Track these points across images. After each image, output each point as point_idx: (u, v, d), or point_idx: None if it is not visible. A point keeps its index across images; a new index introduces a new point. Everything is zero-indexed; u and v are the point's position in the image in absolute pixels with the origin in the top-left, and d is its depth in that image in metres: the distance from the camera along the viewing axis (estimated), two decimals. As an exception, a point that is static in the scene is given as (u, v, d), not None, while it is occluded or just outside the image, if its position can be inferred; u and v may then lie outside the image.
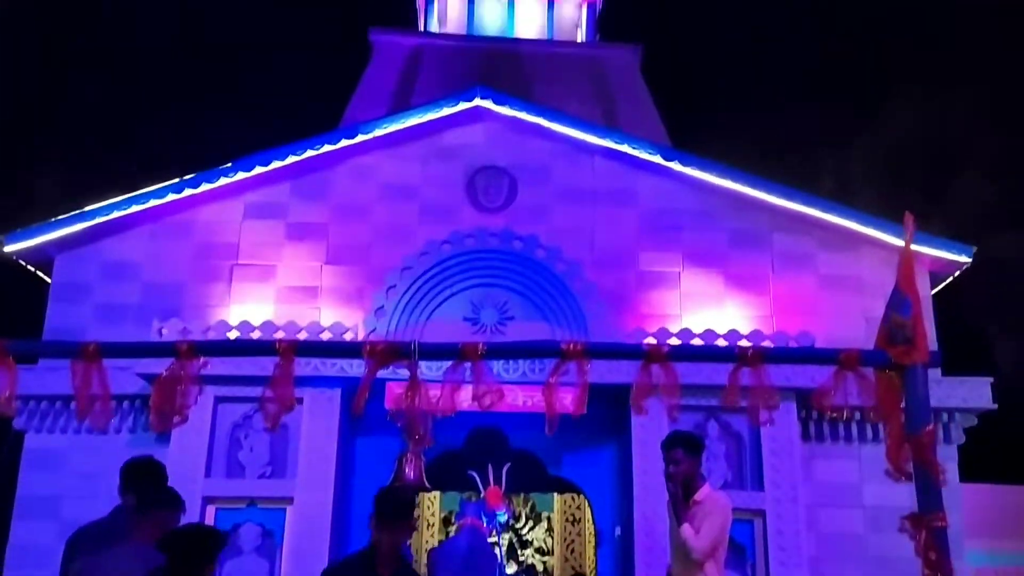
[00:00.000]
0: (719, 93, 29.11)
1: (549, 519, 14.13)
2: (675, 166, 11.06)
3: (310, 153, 10.99)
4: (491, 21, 15.95)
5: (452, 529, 13.26)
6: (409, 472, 4.86)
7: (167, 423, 4.23)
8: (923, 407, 3.96)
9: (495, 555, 9.34)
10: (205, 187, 10.83)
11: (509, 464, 9.83)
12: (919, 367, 3.96)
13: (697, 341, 9.73)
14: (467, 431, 9.98)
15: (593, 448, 10.15)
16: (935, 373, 8.68)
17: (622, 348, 5.42)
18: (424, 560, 11.94)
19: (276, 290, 10.63)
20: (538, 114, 11.30)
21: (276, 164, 10.93)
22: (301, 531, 9.18)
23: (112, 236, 10.78)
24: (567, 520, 13.96)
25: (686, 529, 5.40)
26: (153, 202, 10.77)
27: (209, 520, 9.10)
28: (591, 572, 12.84)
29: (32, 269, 11.00)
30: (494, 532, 10.45)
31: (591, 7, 16.44)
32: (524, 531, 14.06)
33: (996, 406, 10.01)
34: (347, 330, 9.85)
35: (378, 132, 11.14)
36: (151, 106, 26.53)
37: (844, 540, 9.89)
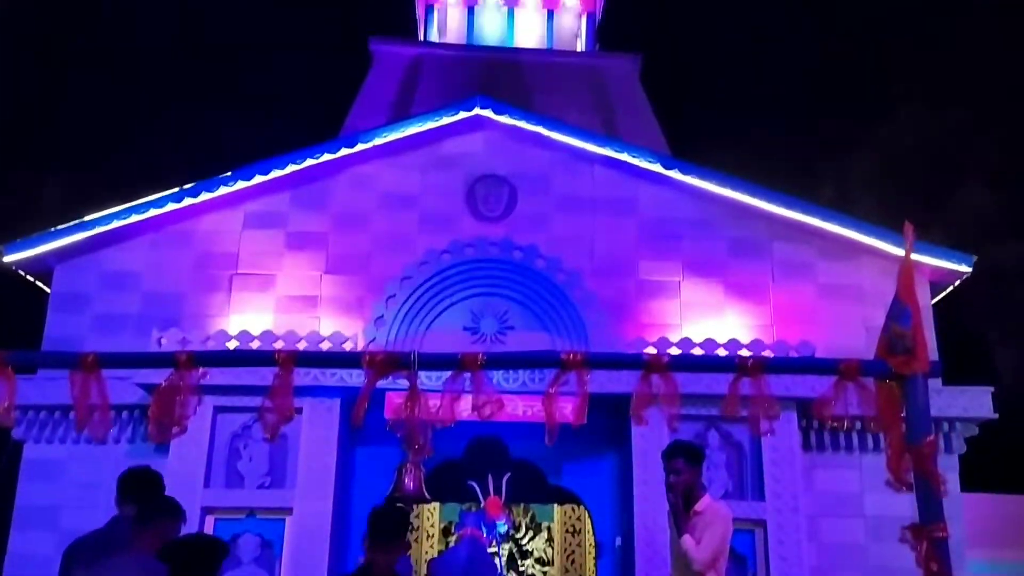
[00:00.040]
0: (718, 102, 29.16)
1: (549, 529, 14.08)
2: (675, 175, 11.07)
3: (310, 162, 11.00)
4: (491, 31, 15.99)
5: (452, 540, 13.22)
6: (409, 483, 4.84)
7: (166, 434, 4.22)
8: (924, 417, 3.95)
9: (495, 566, 9.33)
10: (205, 196, 10.83)
11: (509, 474, 9.82)
12: (919, 377, 3.95)
13: (697, 350, 9.72)
14: (467, 441, 9.97)
15: (593, 458, 10.12)
16: (936, 383, 8.66)
17: (622, 358, 5.40)
18: (424, 571, 11.91)
19: (276, 299, 10.62)
20: (538, 123, 11.31)
21: (276, 173, 10.94)
22: (300, 541, 9.15)
23: (111, 246, 10.78)
24: (567, 531, 13.92)
25: (687, 540, 5.38)
26: (152, 212, 10.77)
27: (208, 531, 9.07)
28: (591, 582, 12.79)
29: (31, 279, 10.99)
30: (494, 542, 10.43)
31: (591, 17, 16.48)
32: (524, 541, 14.01)
33: (997, 415, 9.99)
34: (347, 339, 9.83)
35: (378, 141, 11.15)
36: (151, 113, 26.60)
37: (845, 550, 9.86)
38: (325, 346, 9.74)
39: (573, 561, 13.79)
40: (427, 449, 4.23)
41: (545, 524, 14.10)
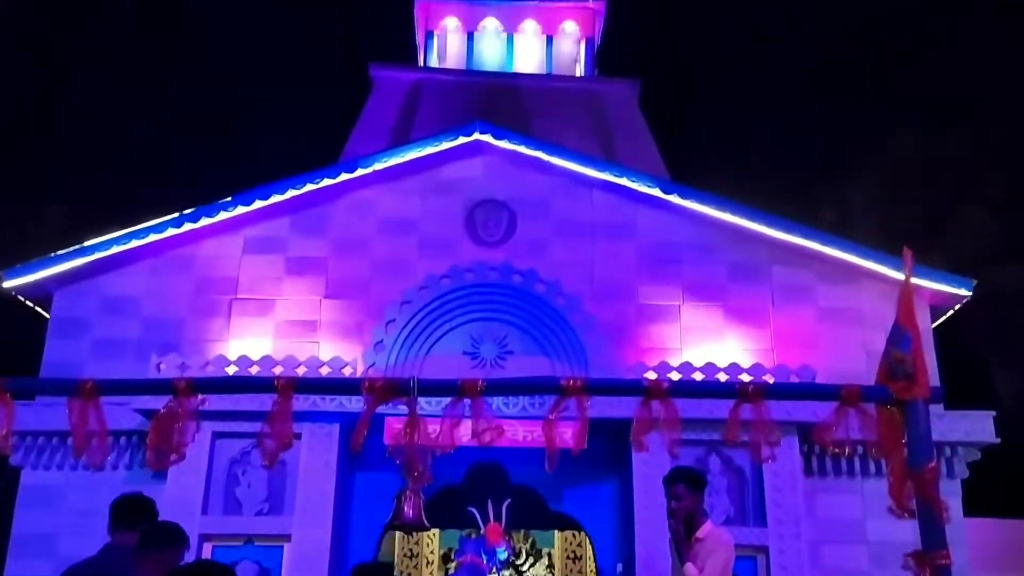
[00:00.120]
0: (717, 126, 29.30)
1: (550, 556, 13.99)
2: (674, 199, 11.09)
3: (310, 187, 11.02)
4: (490, 56, 16.10)
5: (451, 566, 13.14)
6: (408, 510, 4.80)
7: (164, 461, 4.20)
8: (925, 443, 3.93)
9: (495, 593, 9.25)
10: (205, 221, 10.85)
11: (509, 500, 9.77)
12: (920, 403, 3.94)
13: (698, 375, 9.70)
14: (467, 466, 9.91)
15: (594, 483, 10.07)
16: (937, 407, 8.63)
17: (622, 384, 5.38)
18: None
19: (275, 324, 10.62)
20: (537, 148, 11.35)
21: (276, 198, 10.96)
22: (299, 569, 9.08)
23: (111, 271, 10.79)
24: (568, 557, 13.82)
25: (689, 568, 5.34)
26: (152, 237, 10.79)
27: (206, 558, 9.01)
28: (592, 609, 12.70)
29: (31, 304, 10.98)
30: (494, 569, 10.37)
31: (589, 42, 16.59)
32: (524, 568, 13.91)
33: (999, 440, 9.96)
34: (346, 364, 9.81)
35: (378, 166, 11.18)
36: (151, 138, 26.68)
37: (848, 576, 9.79)
38: (324, 371, 9.72)
39: (574, 588, 13.70)
40: (427, 477, 4.21)
41: (546, 550, 14.02)
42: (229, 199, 10.90)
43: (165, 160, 26.88)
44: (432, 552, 13.85)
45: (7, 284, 10.59)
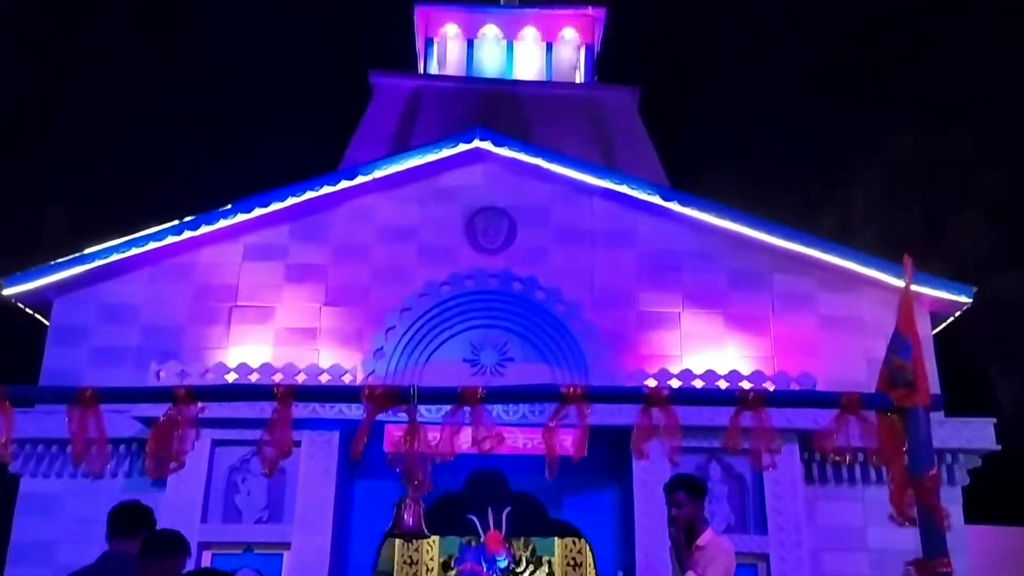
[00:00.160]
0: (717, 133, 29.32)
1: (550, 563, 13.95)
2: (674, 206, 11.09)
3: (309, 195, 11.03)
4: (490, 63, 16.12)
5: (452, 574, 13.11)
6: (408, 519, 4.77)
7: (164, 469, 4.19)
8: (925, 450, 3.92)
9: (495, 601, 9.23)
10: (204, 229, 10.85)
11: (509, 508, 9.74)
12: (921, 410, 3.93)
13: (698, 382, 9.68)
14: (467, 474, 9.89)
15: (594, 491, 10.05)
16: (938, 414, 8.63)
17: (622, 392, 5.38)
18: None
19: (275, 332, 10.61)
20: (537, 155, 11.36)
21: (275, 206, 10.97)
22: (298, 577, 9.06)
23: (111, 279, 10.78)
24: (568, 564, 13.78)
25: (690, 576, 5.32)
26: (152, 244, 10.79)
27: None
28: (593, 617, 12.66)
29: (30, 312, 10.98)
30: (494, 577, 10.34)
31: (589, 49, 16.61)
32: None
33: (999, 447, 9.95)
34: (346, 372, 9.80)
35: (377, 173, 11.18)
36: (152, 142, 26.70)
37: (848, 584, 9.77)
38: (324, 378, 9.71)
39: (574, 595, 13.66)
40: (426, 485, 4.19)
41: (546, 558, 13.98)
42: (229, 206, 10.90)
43: (165, 165, 26.92)
44: (432, 560, 13.81)
45: (7, 292, 10.59)
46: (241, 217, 10.91)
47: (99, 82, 26.76)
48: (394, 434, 8.51)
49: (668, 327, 10.74)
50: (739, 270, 10.97)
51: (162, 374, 9.48)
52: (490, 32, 16.32)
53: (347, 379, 9.75)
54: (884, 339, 4.36)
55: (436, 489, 5.49)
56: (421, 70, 16.38)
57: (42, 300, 10.79)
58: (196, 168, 25.47)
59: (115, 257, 10.73)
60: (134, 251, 10.76)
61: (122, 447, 9.69)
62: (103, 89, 26.79)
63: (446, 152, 11.27)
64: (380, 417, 4.14)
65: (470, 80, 15.48)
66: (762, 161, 27.36)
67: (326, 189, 11.07)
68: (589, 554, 11.90)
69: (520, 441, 9.17)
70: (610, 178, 11.32)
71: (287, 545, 9.19)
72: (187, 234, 10.81)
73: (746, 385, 9.31)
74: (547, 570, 13.95)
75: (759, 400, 4.01)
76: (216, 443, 9.31)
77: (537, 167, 11.31)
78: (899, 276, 9.63)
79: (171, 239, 10.80)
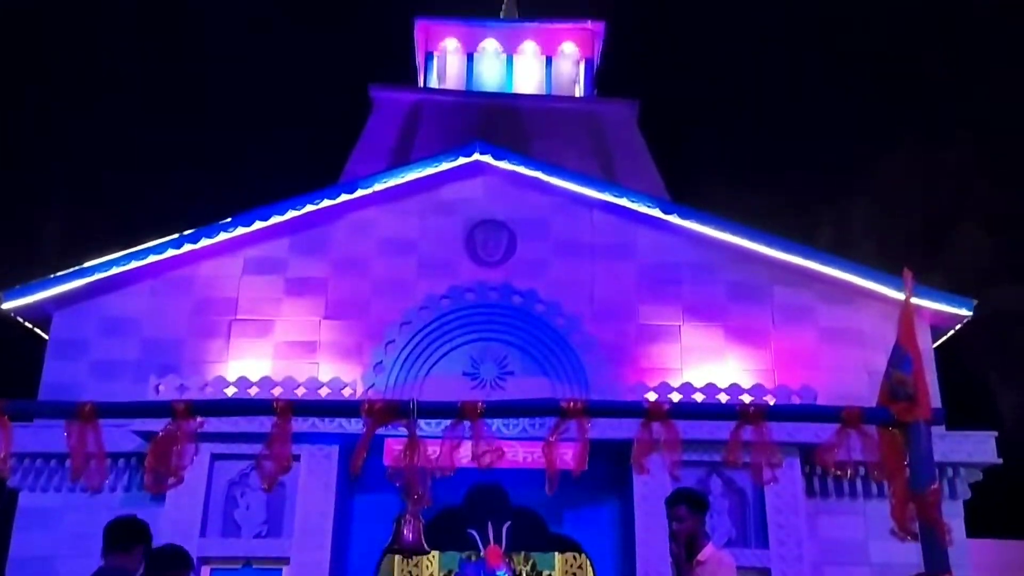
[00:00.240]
0: (717, 146, 29.36)
1: (550, 577, 13.91)
2: (674, 219, 11.09)
3: (309, 208, 11.03)
4: (490, 77, 16.16)
5: (451, 588, 13.06)
6: (408, 534, 4.76)
7: (163, 484, 4.17)
8: (927, 464, 3.90)
9: (495, 615, 9.19)
10: (205, 242, 10.85)
11: (509, 522, 9.70)
12: (922, 424, 3.91)
13: (699, 395, 9.66)
14: (466, 488, 9.85)
15: (594, 505, 10.02)
16: (939, 427, 8.60)
17: (623, 406, 5.36)
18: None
19: (274, 345, 10.60)
20: (537, 168, 11.37)
21: (276, 219, 10.97)
22: (298, 591, 9.02)
23: (111, 292, 10.78)
24: (568, 578, 13.74)
25: (690, 590, 5.29)
26: (152, 258, 10.79)
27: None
28: (593, 632, 12.58)
29: (30, 326, 10.96)
30: (494, 592, 10.29)
31: (588, 63, 16.65)
32: (525, 590, 13.83)
33: (1001, 460, 9.92)
34: (346, 385, 9.78)
35: (377, 187, 11.19)
36: (151, 160, 26.77)
37: (850, 598, 9.72)
38: (324, 392, 9.68)
39: (574, 610, 13.60)
40: (426, 499, 4.17)
41: (546, 572, 13.94)
42: (229, 220, 10.91)
43: (166, 179, 26.96)
44: (432, 574, 13.76)
45: (6, 305, 10.57)
46: (241, 230, 10.92)
47: (100, 96, 26.85)
48: (394, 448, 8.47)
49: (668, 340, 10.72)
50: (739, 283, 10.97)
51: (161, 388, 9.46)
52: (490, 46, 16.37)
53: (347, 393, 9.73)
54: (884, 352, 4.35)
55: (436, 503, 5.49)
56: (421, 84, 16.42)
57: (41, 314, 10.77)
58: (196, 182, 25.52)
59: (115, 270, 10.73)
60: (134, 264, 10.76)
61: (121, 461, 9.66)
62: (104, 103, 26.88)
63: (446, 165, 11.28)
64: (380, 431, 4.13)
65: (470, 94, 15.52)
66: (762, 174, 27.39)
67: (326, 202, 11.08)
68: (590, 569, 11.83)
69: (520, 455, 9.14)
70: (610, 191, 11.33)
71: (286, 560, 9.14)
72: (187, 247, 10.81)
73: (747, 399, 9.29)
74: (547, 584, 13.90)
75: (760, 414, 3.99)
76: (215, 457, 9.28)
77: (537, 180, 11.32)
78: (899, 289, 9.62)
79: (171, 252, 10.80)
